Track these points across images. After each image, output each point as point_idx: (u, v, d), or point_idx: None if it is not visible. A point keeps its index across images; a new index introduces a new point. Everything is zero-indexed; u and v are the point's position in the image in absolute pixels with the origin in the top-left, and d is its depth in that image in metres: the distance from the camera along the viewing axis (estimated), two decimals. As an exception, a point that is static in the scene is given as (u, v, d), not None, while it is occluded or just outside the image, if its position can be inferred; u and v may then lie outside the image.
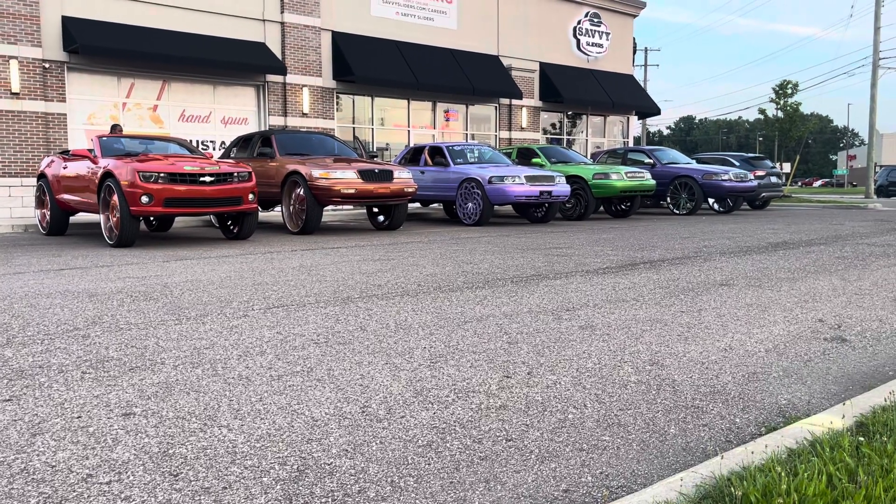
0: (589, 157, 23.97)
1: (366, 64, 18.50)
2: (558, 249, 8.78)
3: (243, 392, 2.89)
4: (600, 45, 24.44)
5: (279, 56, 17.37)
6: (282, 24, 17.50)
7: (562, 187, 13.96)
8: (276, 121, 17.58)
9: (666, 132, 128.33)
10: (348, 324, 4.27)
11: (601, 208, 17.02)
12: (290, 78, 17.59)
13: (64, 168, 11.05)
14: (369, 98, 19.71)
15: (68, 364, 3.37)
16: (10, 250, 9.40)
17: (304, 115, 17.92)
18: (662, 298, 5.12)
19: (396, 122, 20.63)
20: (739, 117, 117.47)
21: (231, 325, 4.27)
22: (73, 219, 12.18)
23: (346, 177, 11.33)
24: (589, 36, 24.09)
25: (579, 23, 23.90)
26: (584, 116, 25.20)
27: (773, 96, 36.23)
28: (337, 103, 18.98)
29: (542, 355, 3.46)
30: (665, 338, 3.85)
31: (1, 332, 4.14)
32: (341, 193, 11.25)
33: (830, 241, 9.71)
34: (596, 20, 24.30)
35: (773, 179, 20.74)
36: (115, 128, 13.12)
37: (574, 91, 23.15)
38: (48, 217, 11.68)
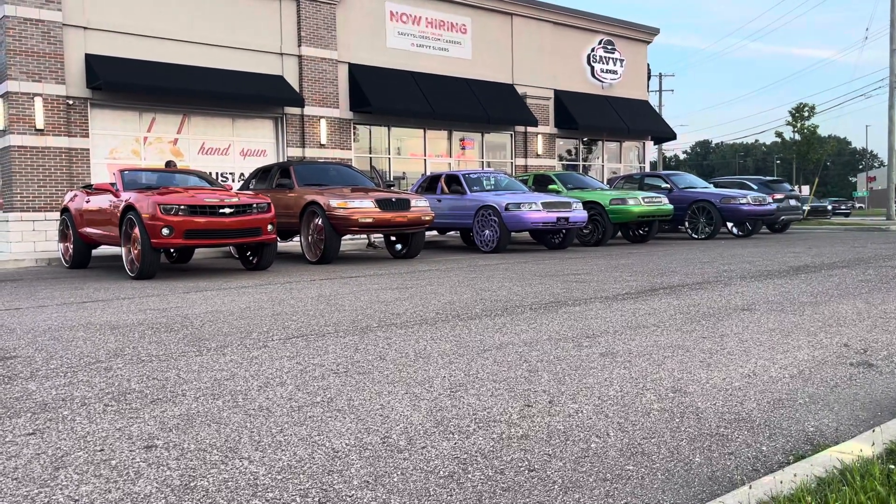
0: (605, 182, 23.98)
1: (382, 95, 18.71)
2: (576, 276, 8.74)
3: (264, 423, 2.89)
4: (615, 72, 24.56)
5: (297, 88, 17.62)
6: (299, 57, 17.77)
7: (579, 213, 13.95)
8: (294, 152, 17.78)
9: (682, 156, 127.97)
10: (367, 353, 4.27)
11: (618, 233, 16.96)
12: (307, 110, 17.81)
13: (86, 202, 11.22)
14: (386, 128, 19.90)
15: (91, 397, 3.39)
16: (34, 284, 9.52)
17: (322, 146, 18.11)
18: (683, 324, 5.07)
19: (413, 151, 20.79)
20: (756, 140, 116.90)
21: (251, 356, 4.28)
22: (95, 252, 12.34)
23: (363, 206, 11.40)
24: (603, 63, 24.22)
25: (593, 50, 24.05)
26: (600, 142, 25.25)
27: (790, 119, 36.07)
28: (354, 133, 19.17)
29: (562, 383, 3.44)
30: (687, 364, 3.80)
31: (25, 365, 4.18)
32: (359, 223, 11.32)
33: (853, 264, 9.60)
34: (610, 47, 24.44)
35: (792, 202, 20.59)
36: (170, 164, 13.50)
37: (589, 118, 23.23)
38: (71, 250, 11.84)
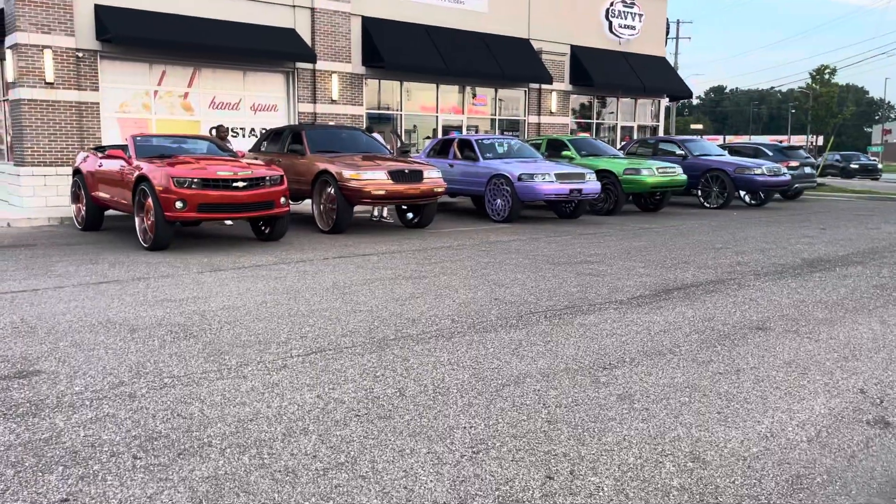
0: (619, 142, 23.72)
1: (395, 50, 18.35)
2: (589, 265, 8.74)
3: (291, 494, 2.95)
4: (633, 28, 23.98)
5: (309, 42, 17.29)
6: (312, 9, 17.38)
7: (592, 185, 13.84)
8: (306, 108, 17.56)
9: (695, 102, 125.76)
10: (386, 384, 4.31)
11: (630, 198, 16.79)
12: (319, 64, 17.52)
13: (99, 166, 11.17)
14: (398, 83, 19.59)
15: (119, 442, 3.45)
16: (49, 251, 9.58)
17: (334, 101, 17.87)
18: (699, 350, 5.09)
19: (424, 105, 20.52)
20: (772, 87, 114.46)
21: (272, 382, 4.33)
22: (107, 212, 12.34)
23: (376, 178, 11.34)
24: (621, 18, 23.63)
25: (612, 4, 23.44)
26: (615, 99, 24.84)
27: (810, 81, 35.35)
28: (365, 88, 18.87)
29: (583, 443, 3.48)
30: (704, 417, 3.84)
31: (50, 386, 4.25)
32: (371, 195, 11.28)
33: (867, 258, 9.56)
34: (629, 1, 23.80)
35: (807, 170, 20.39)
36: (220, 128, 13.49)
37: (605, 75, 22.80)
38: (83, 212, 11.85)
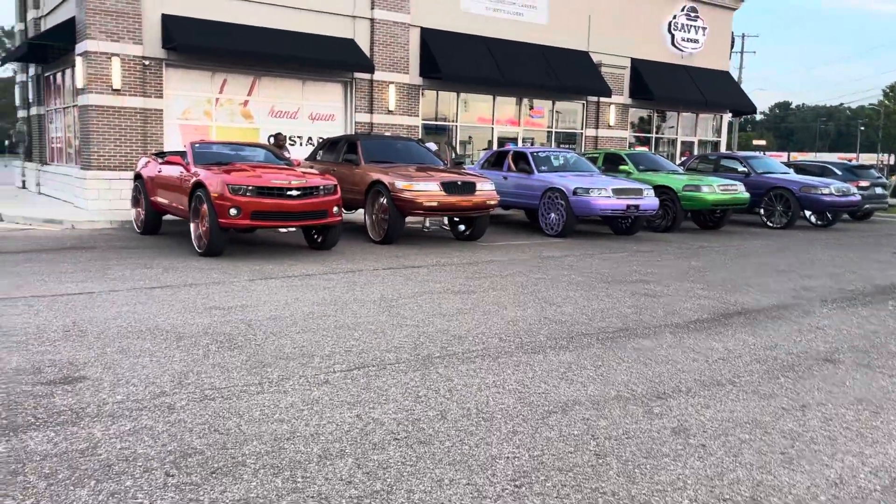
0: (678, 156, 23.17)
1: (453, 61, 18.30)
2: (645, 284, 8.44)
3: (322, 522, 2.83)
4: (696, 41, 23.43)
5: (367, 52, 17.38)
6: (371, 20, 17.48)
7: (650, 201, 13.48)
8: (363, 118, 17.64)
9: (759, 117, 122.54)
10: (428, 405, 4.17)
11: (689, 215, 16.32)
12: (377, 75, 17.59)
13: (158, 171, 11.38)
14: (455, 94, 19.54)
15: (153, 457, 3.39)
16: (107, 254, 9.77)
17: (390, 112, 17.91)
18: (760, 382, 4.80)
19: (480, 116, 20.41)
20: (840, 104, 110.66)
21: (312, 398, 4.24)
22: (165, 216, 12.57)
23: (429, 189, 11.25)
24: (684, 31, 23.12)
25: (675, 17, 22.95)
26: (675, 113, 24.29)
27: (883, 98, 34.03)
28: (422, 99, 18.87)
29: (633, 482, 3.27)
30: (766, 457, 3.58)
31: (93, 393, 4.24)
32: (423, 206, 11.20)
33: (945, 285, 9.01)
34: (693, 14, 23.28)
35: (878, 191, 19.51)
36: (279, 136, 13.78)
37: (666, 89, 22.32)
38: (143, 216, 12.09)
